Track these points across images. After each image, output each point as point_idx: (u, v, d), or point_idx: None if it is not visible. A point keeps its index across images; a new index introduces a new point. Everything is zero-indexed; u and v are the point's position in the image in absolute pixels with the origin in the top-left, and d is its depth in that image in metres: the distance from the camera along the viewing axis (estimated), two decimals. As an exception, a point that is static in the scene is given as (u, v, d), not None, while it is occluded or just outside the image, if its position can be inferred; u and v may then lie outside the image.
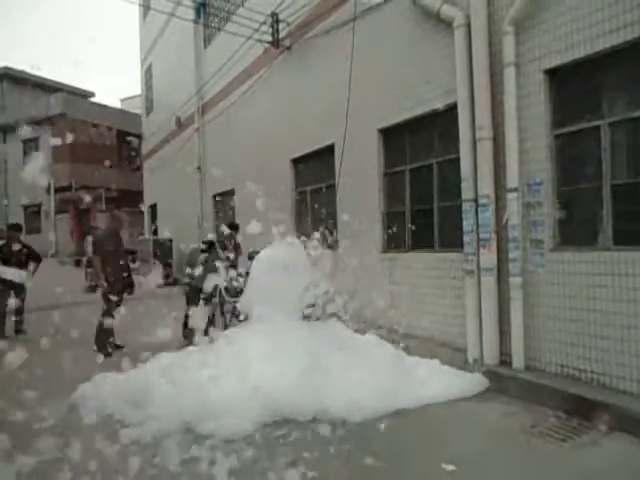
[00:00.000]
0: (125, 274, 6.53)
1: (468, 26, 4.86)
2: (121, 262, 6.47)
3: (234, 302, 6.36)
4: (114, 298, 6.11)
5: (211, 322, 6.34)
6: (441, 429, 3.70)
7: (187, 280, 6.69)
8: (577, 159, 4.29)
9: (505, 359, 4.64)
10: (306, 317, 6.15)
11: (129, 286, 6.66)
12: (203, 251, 6.79)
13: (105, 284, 6.21)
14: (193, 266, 6.37)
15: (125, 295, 6.60)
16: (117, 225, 6.77)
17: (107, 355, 5.87)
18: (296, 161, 8.65)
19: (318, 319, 5.94)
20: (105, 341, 6.09)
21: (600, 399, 3.69)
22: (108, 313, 6.16)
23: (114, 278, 6.27)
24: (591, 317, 4.02)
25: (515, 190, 4.47)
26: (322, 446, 3.43)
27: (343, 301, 5.53)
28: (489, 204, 4.68)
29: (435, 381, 4.42)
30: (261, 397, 3.90)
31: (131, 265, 6.91)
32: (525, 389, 4.20)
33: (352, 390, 4.03)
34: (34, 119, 25.26)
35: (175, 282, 12.20)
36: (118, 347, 6.36)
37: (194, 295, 6.46)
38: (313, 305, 6.35)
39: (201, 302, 6.35)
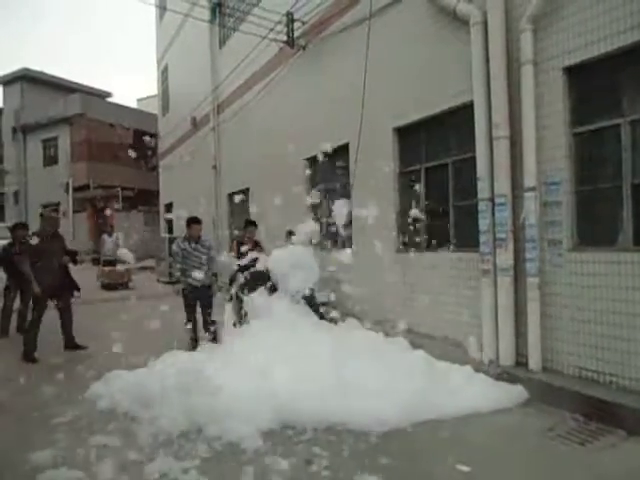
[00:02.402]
0: (64, 277, 6.28)
1: (485, 24, 4.81)
2: (56, 265, 6.14)
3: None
4: (42, 304, 5.99)
5: (207, 325, 6.19)
6: (456, 429, 3.66)
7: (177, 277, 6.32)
8: (596, 158, 4.22)
9: (521, 360, 4.58)
10: (320, 316, 6.17)
11: (71, 289, 6.42)
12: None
13: (38, 289, 5.89)
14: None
15: (72, 299, 6.44)
16: (51, 227, 6.42)
17: (32, 361, 5.78)
18: (310, 160, 8.65)
19: (332, 320, 5.95)
20: (32, 347, 5.92)
21: (619, 402, 3.62)
22: (33, 319, 6.03)
23: (48, 282, 5.96)
24: (610, 319, 3.95)
25: (532, 189, 4.41)
26: (329, 451, 3.36)
27: (356, 301, 5.52)
28: (506, 203, 4.62)
29: (470, 393, 4.06)
30: (271, 402, 3.81)
31: (71, 266, 6.53)
32: (542, 391, 4.13)
33: (374, 399, 3.81)
34: (53, 119, 25.73)
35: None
36: (80, 347, 6.30)
37: (187, 294, 6.11)
38: (326, 304, 6.37)
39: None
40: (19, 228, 7.60)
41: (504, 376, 4.42)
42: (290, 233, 7.03)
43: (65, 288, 6.36)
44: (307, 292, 5.97)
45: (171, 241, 14.16)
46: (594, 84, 4.18)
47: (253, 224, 7.16)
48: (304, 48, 8.44)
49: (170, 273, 13.07)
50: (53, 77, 28.97)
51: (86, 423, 3.82)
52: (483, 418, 3.83)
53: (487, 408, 3.93)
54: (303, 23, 8.24)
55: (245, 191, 11.46)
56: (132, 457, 3.31)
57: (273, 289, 5.93)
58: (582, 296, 4.16)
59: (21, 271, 6.15)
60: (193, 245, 6.12)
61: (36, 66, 32.73)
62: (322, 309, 6.21)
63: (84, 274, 12.87)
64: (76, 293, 6.52)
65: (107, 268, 13.28)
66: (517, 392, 4.15)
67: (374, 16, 6.47)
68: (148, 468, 3.13)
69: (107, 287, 13.02)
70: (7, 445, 3.52)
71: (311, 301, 6.14)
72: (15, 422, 3.92)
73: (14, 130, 27.56)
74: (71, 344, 6.39)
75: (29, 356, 5.84)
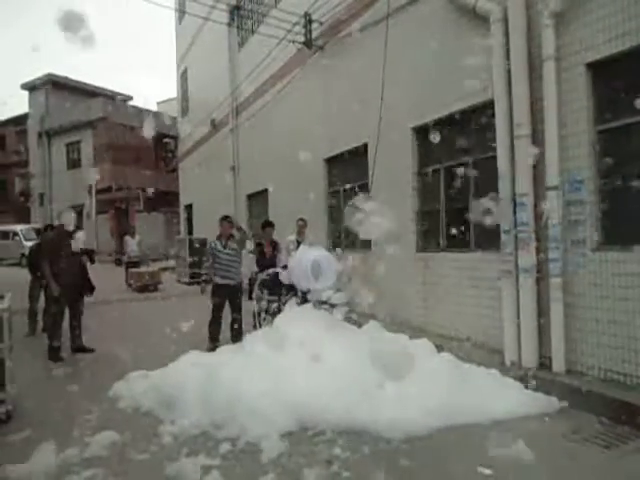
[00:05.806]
0: (81, 276, 6.24)
1: (505, 20, 4.75)
2: (74, 264, 6.11)
3: (270, 300, 6.36)
4: (63, 303, 5.95)
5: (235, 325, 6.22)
6: (479, 433, 3.59)
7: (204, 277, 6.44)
8: (621, 155, 4.12)
9: (544, 362, 4.50)
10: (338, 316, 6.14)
11: (88, 288, 6.39)
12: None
13: (58, 289, 5.86)
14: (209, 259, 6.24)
15: (86, 297, 6.41)
16: (66, 225, 6.24)
17: (59, 360, 5.80)
18: (329, 161, 8.66)
19: (355, 322, 5.91)
20: (56, 346, 5.93)
21: (647, 405, 3.54)
22: (55, 318, 6.02)
23: (67, 282, 5.94)
24: (637, 319, 3.85)
25: (555, 188, 4.34)
26: (349, 452, 3.34)
27: (377, 302, 5.47)
28: (527, 203, 4.55)
29: (494, 396, 3.94)
30: (291, 403, 3.79)
31: (88, 265, 6.52)
32: (566, 393, 4.05)
33: (396, 403, 3.74)
34: (76, 123, 26.27)
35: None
36: (87, 350, 6.19)
37: (219, 293, 6.17)
38: (345, 304, 6.34)
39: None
40: (49, 230, 7.67)
41: (527, 378, 4.34)
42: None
43: (82, 288, 6.34)
44: (327, 295, 5.96)
45: (191, 242, 14.37)
46: (619, 80, 4.08)
47: (271, 225, 7.19)
48: (322, 48, 8.45)
49: (193, 274, 13.14)
50: (77, 82, 29.54)
51: (109, 422, 3.87)
52: (506, 421, 3.76)
53: (511, 412, 3.84)
54: (321, 24, 8.25)
55: (264, 192, 11.54)
56: (154, 456, 3.36)
57: (304, 299, 5.95)
58: (607, 297, 4.07)
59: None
60: (223, 243, 6.24)
61: (60, 71, 33.42)
62: (343, 311, 6.19)
63: (108, 274, 13.15)
64: (89, 294, 6.48)
65: (135, 270, 13.12)
66: (542, 395, 4.06)
67: (392, 15, 6.44)
68: (170, 467, 3.16)
69: (137, 289, 12.51)
70: (34, 444, 3.59)
71: (331, 303, 6.14)
72: (41, 421, 4.00)
73: (39, 134, 28.22)
74: (78, 347, 6.26)
75: (54, 355, 5.93)
